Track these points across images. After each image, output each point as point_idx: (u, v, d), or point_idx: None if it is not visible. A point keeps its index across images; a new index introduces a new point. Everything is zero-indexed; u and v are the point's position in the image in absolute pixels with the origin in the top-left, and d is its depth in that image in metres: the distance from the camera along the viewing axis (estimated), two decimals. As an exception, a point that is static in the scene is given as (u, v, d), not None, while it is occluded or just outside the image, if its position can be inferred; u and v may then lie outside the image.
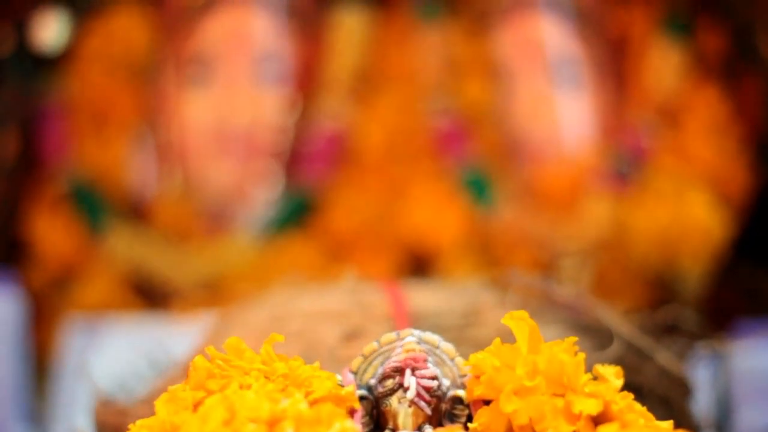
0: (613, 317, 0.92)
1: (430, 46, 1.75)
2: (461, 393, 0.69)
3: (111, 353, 1.38)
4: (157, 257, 1.66)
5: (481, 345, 0.70)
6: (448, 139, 1.71)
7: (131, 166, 1.71)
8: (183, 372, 0.83)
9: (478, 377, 0.68)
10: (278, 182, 1.70)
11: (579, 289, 1.00)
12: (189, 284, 1.64)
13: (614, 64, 1.74)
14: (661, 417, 0.68)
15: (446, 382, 0.70)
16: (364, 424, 0.69)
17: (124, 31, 1.74)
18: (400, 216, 1.68)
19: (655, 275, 1.65)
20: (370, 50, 1.75)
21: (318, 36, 1.74)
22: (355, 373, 0.71)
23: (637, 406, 0.67)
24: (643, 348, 0.89)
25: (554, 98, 1.70)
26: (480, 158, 1.70)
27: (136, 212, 1.70)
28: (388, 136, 1.71)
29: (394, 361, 0.69)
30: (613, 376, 0.71)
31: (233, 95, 1.68)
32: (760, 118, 1.74)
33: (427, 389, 0.68)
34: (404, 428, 0.68)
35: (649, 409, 0.68)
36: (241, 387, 0.67)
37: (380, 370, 0.70)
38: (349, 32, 1.74)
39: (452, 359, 0.71)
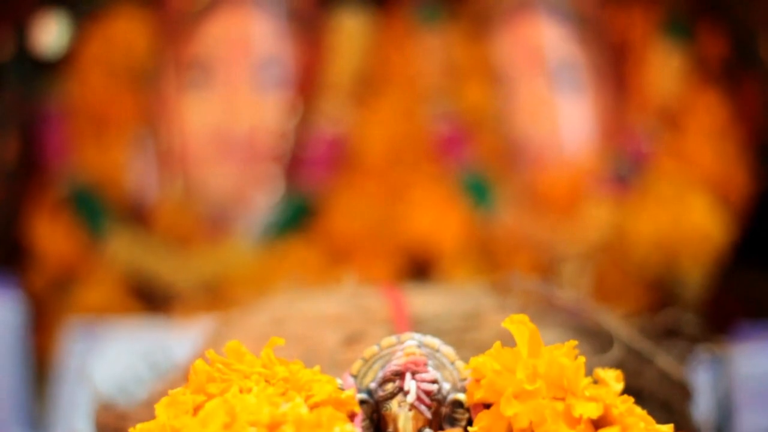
0: (614, 321, 0.92)
1: (431, 50, 1.75)
2: (461, 396, 0.69)
3: (111, 357, 1.38)
4: (158, 261, 1.66)
5: (481, 348, 0.70)
6: (449, 143, 1.71)
7: (132, 170, 1.71)
8: (183, 376, 0.83)
9: (478, 381, 0.68)
10: (279, 186, 1.70)
11: (579, 293, 1.00)
12: (189, 288, 1.64)
13: (614, 67, 1.74)
14: (661, 421, 0.68)
15: (446, 386, 0.70)
16: (364, 428, 0.69)
17: (125, 35, 1.74)
18: (401, 220, 1.68)
19: (656, 279, 1.65)
20: (370, 54, 1.75)
21: (318, 40, 1.74)
22: (355, 377, 0.71)
23: (638, 409, 0.67)
24: (643, 351, 0.89)
25: (554, 102, 1.70)
26: (480, 162, 1.70)
27: (136, 216, 1.70)
28: (389, 140, 1.71)
29: (395, 364, 0.69)
30: (613, 379, 0.71)
31: (234, 99, 1.68)
32: (760, 122, 1.74)
33: (428, 393, 0.68)
34: (404, 432, 0.68)
35: (650, 413, 0.68)
36: (241, 391, 0.67)
37: (380, 374, 0.70)
38: (350, 36, 1.74)
39: (452, 363, 0.71)
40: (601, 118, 1.72)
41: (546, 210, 1.68)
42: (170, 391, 0.67)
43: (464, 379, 0.70)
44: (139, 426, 0.66)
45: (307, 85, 1.72)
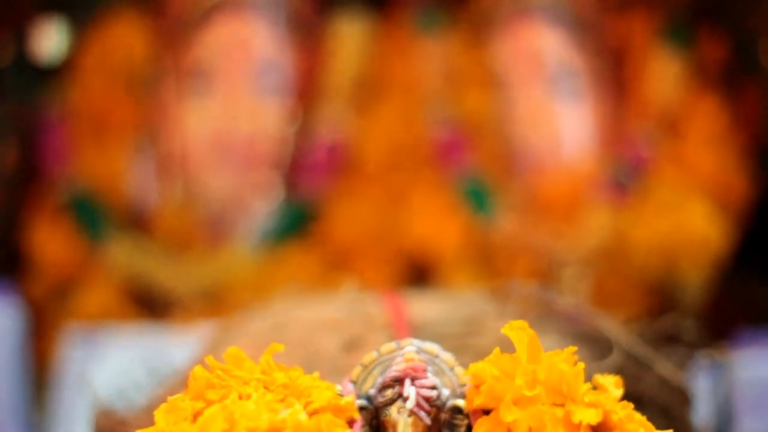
0: (613, 327, 0.92)
1: (430, 56, 1.75)
2: (461, 402, 0.69)
3: (111, 363, 1.38)
4: (157, 267, 1.66)
5: (481, 354, 0.70)
6: (448, 149, 1.71)
7: (131, 177, 1.71)
8: (182, 382, 0.83)
9: (477, 387, 0.68)
10: (278, 192, 1.70)
11: (579, 299, 1.01)
12: (189, 294, 1.64)
13: (614, 73, 1.74)
14: (661, 427, 0.68)
15: (446, 392, 0.70)
16: (363, 434, 0.69)
17: (124, 41, 1.74)
18: (401, 226, 1.68)
19: (655, 284, 1.65)
20: (369, 60, 1.75)
21: (318, 46, 1.74)
22: (354, 383, 0.71)
23: (637, 415, 0.67)
24: (642, 357, 0.89)
25: (554, 108, 1.70)
26: (480, 168, 1.70)
27: (136, 222, 1.70)
28: (388, 146, 1.71)
29: (394, 370, 0.69)
30: (612, 385, 0.71)
31: (233, 105, 1.68)
32: (760, 128, 1.74)
33: (427, 399, 0.68)
34: (404, 438, 0.68)
35: (649, 419, 0.68)
36: (240, 397, 0.66)
37: (380, 380, 0.70)
38: (349, 42, 1.74)
39: (452, 369, 0.71)
40: (601, 123, 1.72)
41: (545, 216, 1.68)
42: (169, 398, 0.67)
43: (463, 385, 0.70)
44: (138, 432, 0.66)
45: (306, 90, 1.72)
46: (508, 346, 0.68)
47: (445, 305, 0.94)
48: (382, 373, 0.70)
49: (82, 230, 1.68)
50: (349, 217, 1.69)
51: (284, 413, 0.64)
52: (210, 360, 0.69)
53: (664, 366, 0.90)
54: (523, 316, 0.72)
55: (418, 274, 1.67)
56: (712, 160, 1.70)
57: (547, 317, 0.94)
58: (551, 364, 0.66)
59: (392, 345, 0.72)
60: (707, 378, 1.26)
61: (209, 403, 0.66)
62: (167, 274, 1.65)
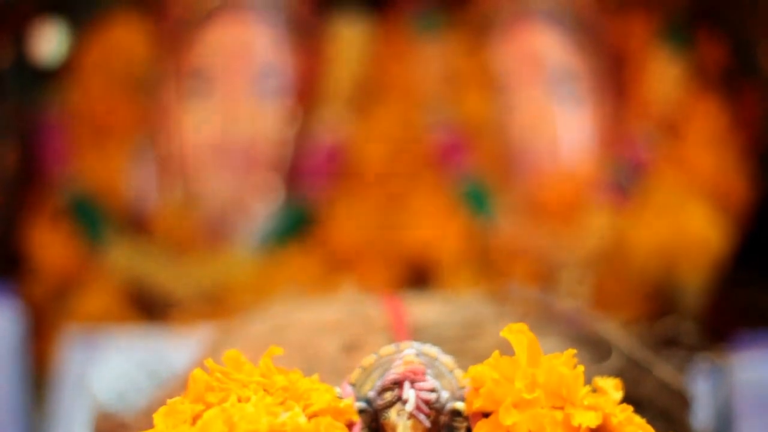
0: (613, 329, 0.92)
1: (430, 59, 1.75)
2: (460, 405, 0.69)
3: (110, 366, 1.38)
4: (157, 269, 1.66)
5: (480, 357, 0.70)
6: (448, 152, 1.71)
7: (131, 179, 1.71)
8: (182, 384, 0.83)
9: (477, 390, 0.68)
10: (278, 195, 1.70)
11: (578, 301, 1.01)
12: (189, 296, 1.64)
13: (613, 76, 1.74)
14: (660, 429, 0.68)
15: (445, 395, 0.70)
16: (362, 437, 0.69)
17: (124, 44, 1.74)
18: (400, 228, 1.68)
19: (655, 287, 1.65)
20: (369, 63, 1.75)
21: (317, 49, 1.74)
22: (353, 386, 0.71)
23: (637, 418, 0.67)
24: (642, 360, 0.89)
25: (553, 110, 1.70)
26: (479, 170, 1.70)
27: (135, 225, 1.70)
28: (388, 149, 1.71)
29: (393, 373, 0.69)
30: (612, 388, 0.71)
31: (233, 108, 1.68)
32: (760, 130, 1.74)
33: (426, 402, 0.68)
34: (403, 441, 0.68)
35: (649, 422, 0.68)
36: (239, 400, 0.66)
37: (379, 383, 0.70)
38: (349, 45, 1.74)
39: (451, 371, 0.71)
40: (601, 125, 1.72)
41: (545, 218, 1.68)
42: (168, 400, 0.67)
43: (463, 388, 0.70)
44: (137, 435, 0.66)
45: (306, 93, 1.72)
46: (507, 349, 0.68)
47: (445, 308, 0.94)
48: (381, 375, 0.70)
49: (82, 232, 1.68)
50: (349, 219, 1.69)
51: (284, 416, 0.64)
52: (209, 363, 0.69)
53: (663, 369, 0.90)
54: (522, 319, 0.72)
55: (418, 276, 1.67)
56: (711, 162, 1.70)
57: (546, 320, 0.94)
58: (551, 367, 0.66)
59: (392, 348, 0.72)
60: (707, 381, 1.26)
61: (208, 405, 0.66)
62: (167, 276, 1.65)
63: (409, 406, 0.68)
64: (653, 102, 1.73)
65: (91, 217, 1.68)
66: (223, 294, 1.63)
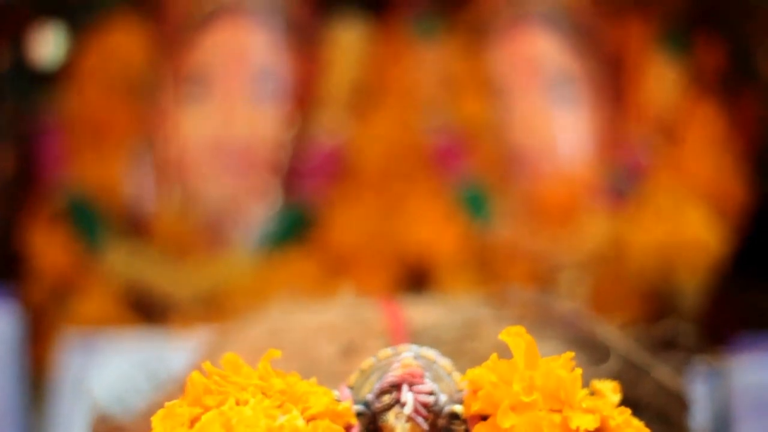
0: (611, 332, 0.92)
1: (428, 62, 1.75)
2: (458, 408, 0.69)
3: (109, 369, 1.38)
4: (155, 272, 1.66)
5: (478, 360, 0.70)
6: (446, 155, 1.71)
7: (129, 182, 1.71)
8: (180, 387, 0.83)
9: (475, 392, 0.68)
10: (276, 198, 1.70)
11: (576, 304, 1.01)
12: (187, 299, 1.64)
13: (611, 79, 1.74)
14: (658, 432, 0.68)
15: (443, 398, 0.70)
16: (361, 440, 0.69)
17: (122, 48, 1.74)
18: (398, 231, 1.68)
19: (653, 290, 1.66)
20: (367, 66, 1.75)
21: (315, 52, 1.74)
22: (352, 389, 0.71)
23: (635, 421, 0.67)
24: (640, 363, 0.89)
25: (551, 114, 1.70)
26: (478, 174, 1.70)
27: (134, 228, 1.70)
28: (386, 152, 1.71)
29: (391, 376, 0.69)
30: (610, 391, 0.71)
31: (231, 111, 1.68)
32: (757, 134, 1.74)
33: (424, 405, 0.68)
34: (401, 444, 0.68)
35: (647, 425, 0.67)
36: (237, 403, 0.66)
37: (377, 386, 0.70)
38: (347, 48, 1.74)
39: (449, 374, 0.71)
40: (598, 129, 1.72)
41: (543, 221, 1.68)
42: (167, 403, 0.67)
43: (461, 391, 0.70)
44: (135, 438, 0.66)
45: (304, 96, 1.72)
46: (505, 352, 0.68)
47: (443, 310, 0.93)
48: (379, 378, 0.70)
49: (80, 235, 1.68)
50: (347, 222, 1.69)
51: (282, 419, 0.64)
52: (207, 366, 0.69)
53: (661, 371, 0.90)
54: (520, 322, 0.72)
55: (416, 279, 1.67)
56: (709, 165, 1.71)
57: (544, 323, 0.94)
58: (549, 369, 0.66)
59: (390, 350, 0.72)
60: (705, 383, 1.26)
61: (206, 408, 0.66)
62: (165, 279, 1.65)
63: (408, 409, 0.68)
64: (651, 106, 1.73)
65: (89, 220, 1.68)
66: (221, 297, 1.63)
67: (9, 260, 1.68)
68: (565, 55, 1.72)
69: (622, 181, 1.69)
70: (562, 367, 0.67)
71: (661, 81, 1.73)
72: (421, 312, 0.92)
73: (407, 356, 0.70)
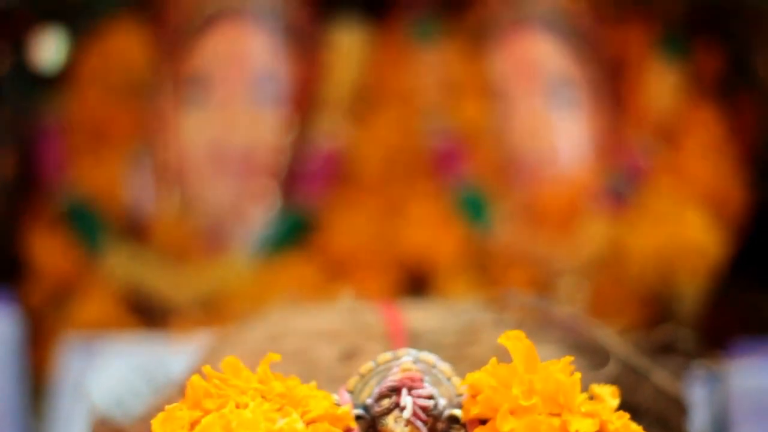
0: (610, 336, 0.92)
1: (428, 66, 1.75)
2: (458, 412, 0.69)
3: (108, 372, 1.38)
4: (155, 276, 1.66)
5: (478, 364, 0.70)
6: (446, 159, 1.71)
7: (129, 186, 1.71)
8: (180, 391, 0.83)
9: (474, 396, 0.68)
10: (276, 201, 1.70)
11: (576, 308, 1.01)
12: (186, 303, 1.64)
13: (611, 84, 1.74)
14: (657, 436, 0.68)
15: (443, 402, 0.70)
16: (360, 444, 0.69)
17: (122, 51, 1.74)
18: (398, 235, 1.68)
19: (652, 294, 1.66)
20: (367, 70, 1.75)
21: (315, 56, 1.74)
22: (351, 393, 0.71)
23: (634, 425, 0.67)
24: (639, 367, 0.89)
25: (551, 118, 1.70)
26: (477, 178, 1.70)
27: (133, 231, 1.70)
28: (386, 156, 1.71)
29: (391, 380, 0.69)
30: (609, 395, 0.71)
31: (231, 115, 1.68)
32: (757, 138, 1.74)
33: (424, 408, 0.68)
34: (401, 448, 0.68)
35: (646, 429, 0.68)
36: (237, 406, 0.67)
37: (377, 390, 0.70)
38: (347, 52, 1.74)
39: (449, 378, 0.71)
40: (598, 134, 1.72)
41: (543, 225, 1.68)
42: (166, 407, 0.67)
43: (460, 395, 0.70)
44: (135, 441, 0.66)
45: (304, 100, 1.72)
46: (505, 356, 0.68)
47: (442, 315, 0.94)
48: (379, 382, 0.70)
49: (80, 239, 1.68)
50: (347, 226, 1.69)
51: (281, 422, 0.64)
52: (207, 369, 0.69)
53: (660, 376, 0.90)
54: (520, 326, 0.72)
55: (415, 283, 1.67)
56: (708, 169, 1.71)
57: (544, 327, 0.94)
58: (548, 374, 0.67)
59: (389, 355, 0.72)
60: (704, 388, 1.26)
61: (206, 412, 0.66)
62: (165, 283, 1.65)
63: (407, 413, 0.68)
64: (650, 110, 1.73)
65: (89, 224, 1.68)
66: (220, 301, 1.63)
67: (9, 263, 1.68)
68: (564, 59, 1.72)
69: (622, 185, 1.69)
70: (561, 371, 0.67)
71: (661, 85, 1.73)
72: (420, 316, 0.92)
73: (407, 360, 0.71)
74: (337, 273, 1.66)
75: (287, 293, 1.14)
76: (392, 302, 1.01)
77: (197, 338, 1.14)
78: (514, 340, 0.68)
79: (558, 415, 0.66)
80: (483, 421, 0.67)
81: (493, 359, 0.68)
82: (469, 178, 1.70)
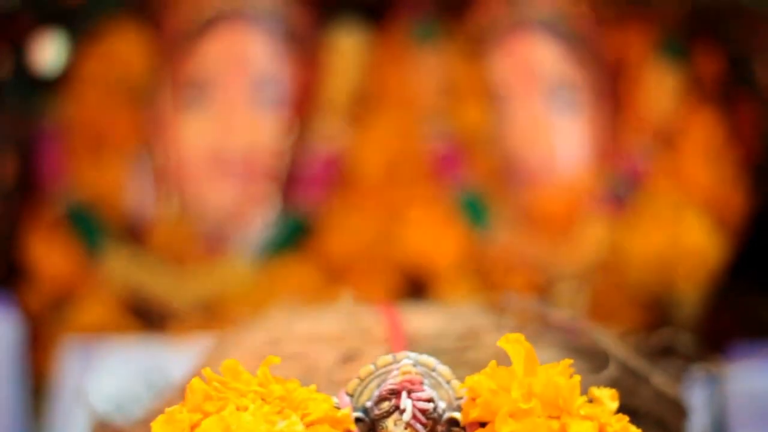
0: (609, 340, 0.92)
1: (427, 70, 1.75)
2: (457, 415, 0.69)
3: (108, 375, 1.38)
4: (155, 280, 1.66)
5: (477, 367, 0.70)
6: (445, 163, 1.71)
7: (129, 189, 1.71)
8: (180, 394, 0.83)
9: (474, 399, 0.68)
10: (275, 205, 1.70)
11: (575, 312, 1.01)
12: (186, 306, 1.64)
13: (610, 87, 1.74)
14: (656, 439, 0.68)
15: (442, 405, 0.70)
16: (360, 447, 0.69)
17: (122, 55, 1.74)
18: (397, 239, 1.68)
19: (651, 298, 1.66)
20: (366, 73, 1.75)
21: (315, 59, 1.74)
22: (351, 396, 0.71)
23: (633, 428, 0.67)
24: (638, 370, 0.89)
25: (551, 122, 1.70)
26: (477, 181, 1.70)
27: (133, 234, 1.70)
28: (385, 159, 1.71)
29: (390, 383, 0.69)
30: (608, 398, 0.71)
31: (230, 118, 1.68)
32: (756, 142, 1.74)
33: (423, 411, 0.68)
34: (400, 450, 0.68)
35: (645, 432, 0.68)
36: (237, 409, 0.67)
37: (376, 393, 0.70)
38: (346, 55, 1.75)
39: (448, 382, 0.71)
40: (597, 137, 1.72)
41: (542, 229, 1.68)
42: (166, 410, 0.67)
43: (460, 398, 0.70)
44: (135, 444, 0.66)
45: (303, 104, 1.72)
46: (504, 359, 0.68)
47: (442, 318, 0.94)
48: (378, 385, 0.70)
49: (80, 242, 1.68)
50: (346, 229, 1.69)
51: (281, 425, 0.64)
52: (207, 372, 0.69)
53: (660, 379, 0.90)
54: (519, 330, 0.72)
55: (415, 287, 1.67)
56: (708, 174, 1.71)
57: (543, 330, 0.94)
58: (547, 377, 0.67)
59: (389, 358, 0.72)
60: (703, 391, 1.26)
61: (206, 414, 0.66)
62: (164, 286, 1.65)
63: (406, 416, 0.68)
64: (650, 114, 1.73)
65: (89, 227, 1.68)
66: (220, 304, 1.63)
67: (9, 267, 1.68)
68: (564, 62, 1.72)
69: (621, 189, 1.69)
70: (560, 374, 0.67)
71: (660, 89, 1.73)
72: (420, 320, 0.92)
73: (406, 363, 0.71)
74: (337, 276, 1.66)
75: (287, 296, 1.14)
76: (392, 305, 1.01)
77: (197, 341, 1.14)
78: (513, 343, 0.68)
79: (557, 418, 0.66)
80: (482, 424, 0.68)
81: (493, 362, 0.68)
82: (468, 182, 1.70)
